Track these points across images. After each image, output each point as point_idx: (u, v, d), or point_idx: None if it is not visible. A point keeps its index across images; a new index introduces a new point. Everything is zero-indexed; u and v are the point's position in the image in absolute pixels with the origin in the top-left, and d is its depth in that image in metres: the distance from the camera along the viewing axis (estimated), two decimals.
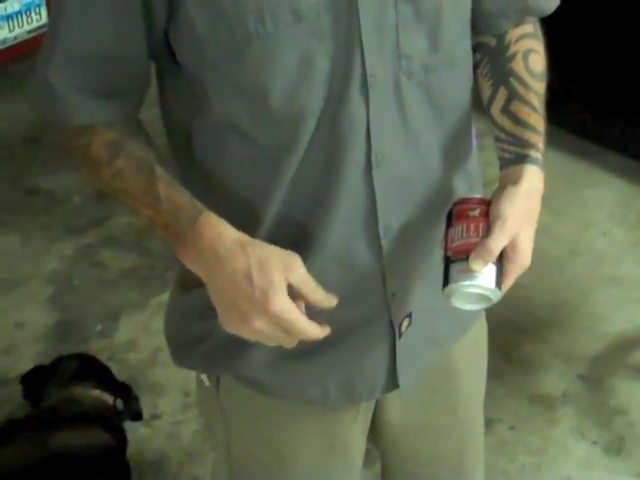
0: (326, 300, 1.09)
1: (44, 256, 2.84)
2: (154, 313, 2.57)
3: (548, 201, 1.17)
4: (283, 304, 1.04)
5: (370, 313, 1.27)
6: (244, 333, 1.07)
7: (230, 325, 1.07)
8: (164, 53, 1.18)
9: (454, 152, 1.28)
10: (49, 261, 2.83)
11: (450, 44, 1.20)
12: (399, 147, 1.21)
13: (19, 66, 3.37)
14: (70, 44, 1.13)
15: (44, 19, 3.16)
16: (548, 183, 1.16)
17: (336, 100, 1.14)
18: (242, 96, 1.15)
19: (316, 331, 1.07)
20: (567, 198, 2.99)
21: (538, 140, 1.23)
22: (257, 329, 1.05)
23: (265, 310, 1.04)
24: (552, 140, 1.28)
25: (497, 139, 1.26)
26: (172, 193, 1.13)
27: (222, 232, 1.08)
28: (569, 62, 2.69)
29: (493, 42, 1.28)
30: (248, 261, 1.05)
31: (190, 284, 1.26)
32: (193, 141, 1.24)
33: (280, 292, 1.04)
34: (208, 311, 1.13)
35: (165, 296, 2.58)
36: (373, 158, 1.18)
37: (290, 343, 1.08)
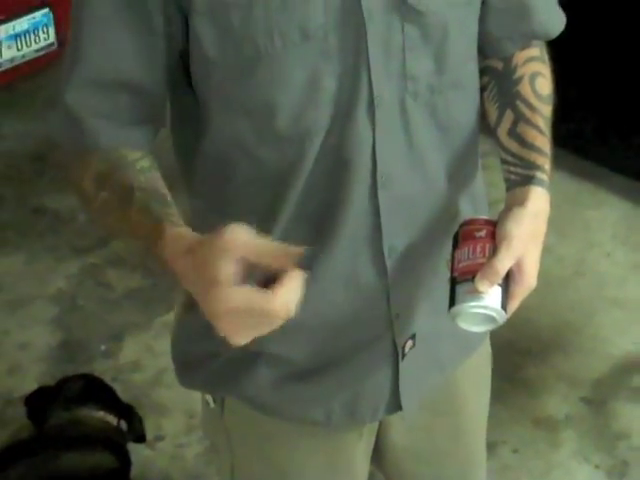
0: (290, 252, 0.95)
1: (49, 276, 2.85)
2: (158, 333, 2.57)
3: (552, 222, 1.16)
4: (230, 297, 0.93)
5: (374, 334, 1.27)
6: (223, 332, 0.99)
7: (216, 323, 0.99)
8: (178, 75, 1.19)
9: (460, 173, 1.29)
10: (54, 281, 2.83)
11: (456, 66, 1.21)
12: (405, 167, 1.21)
13: (26, 84, 3.39)
14: (88, 68, 1.14)
15: (52, 38, 3.17)
16: (552, 204, 1.17)
17: (342, 120, 1.15)
18: (249, 115, 1.16)
19: (285, 306, 0.93)
20: (571, 219, 3.01)
21: (544, 162, 1.24)
22: (230, 327, 0.97)
23: (225, 310, 0.95)
24: (556, 161, 1.29)
25: (503, 161, 1.26)
26: (142, 216, 1.09)
27: (178, 238, 1.03)
28: (575, 83, 2.70)
29: (500, 65, 1.30)
30: (193, 262, 0.98)
31: (192, 303, 1.27)
32: (199, 158, 1.25)
33: (223, 286, 0.94)
34: (211, 329, 1.13)
35: (169, 316, 2.59)
36: (379, 178, 1.19)
37: (271, 324, 0.97)
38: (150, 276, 2.79)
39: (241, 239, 0.95)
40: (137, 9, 1.11)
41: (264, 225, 1.17)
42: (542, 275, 1.13)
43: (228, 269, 0.93)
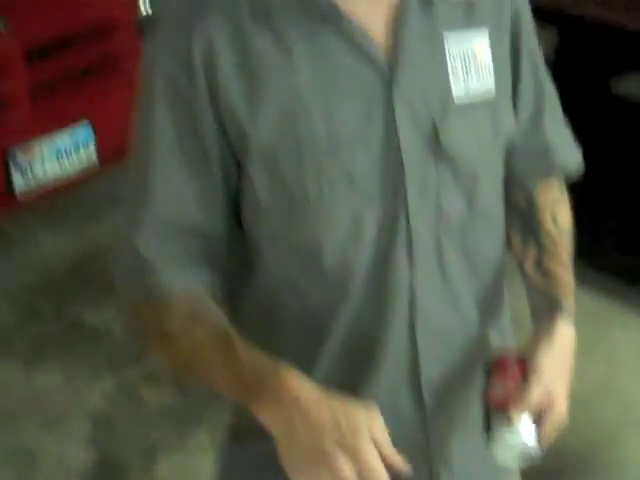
0: (397, 459, 1.09)
1: (85, 392, 2.89)
2: (190, 453, 2.60)
3: (576, 340, 1.23)
4: (371, 449, 1.05)
5: (410, 463, 1.29)
6: (319, 474, 1.07)
7: (304, 471, 1.08)
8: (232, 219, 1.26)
9: (489, 304, 1.36)
10: (90, 397, 2.87)
11: (485, 204, 1.29)
12: (439, 301, 1.28)
13: (66, 199, 3.48)
14: (155, 212, 1.21)
15: (92, 154, 3.26)
16: (577, 322, 1.24)
17: (383, 257, 1.23)
18: (296, 254, 1.24)
19: None
20: (596, 338, 3.02)
21: (568, 293, 1.33)
22: (337, 466, 1.05)
23: (354, 450, 1.05)
24: (581, 279, 1.36)
25: (529, 293, 1.36)
26: (250, 354, 1.16)
27: (305, 386, 1.10)
28: (598, 204, 2.77)
29: (523, 201, 1.39)
30: (336, 411, 1.07)
31: (244, 437, 1.32)
32: (247, 293, 1.32)
33: (368, 438, 1.06)
34: (263, 467, 1.17)
35: (201, 437, 2.64)
36: (416, 312, 1.26)
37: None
38: (183, 394, 2.83)
39: (382, 427, 1.08)
40: (197, 156, 1.19)
41: (307, 361, 1.25)
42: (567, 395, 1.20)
43: (373, 451, 1.05)
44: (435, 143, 1.20)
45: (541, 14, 1.50)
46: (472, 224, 1.27)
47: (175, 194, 1.20)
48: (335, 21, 1.16)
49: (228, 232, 1.25)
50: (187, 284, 1.23)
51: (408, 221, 1.21)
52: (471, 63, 1.22)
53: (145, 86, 1.19)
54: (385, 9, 1.19)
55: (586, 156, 1.44)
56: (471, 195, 1.26)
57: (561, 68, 1.41)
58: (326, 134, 1.16)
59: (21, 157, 3.07)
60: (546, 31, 2.21)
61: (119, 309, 2.97)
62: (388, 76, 1.18)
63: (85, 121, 3.21)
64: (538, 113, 1.35)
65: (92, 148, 3.25)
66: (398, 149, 1.19)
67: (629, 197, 2.78)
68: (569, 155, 1.41)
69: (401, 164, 1.19)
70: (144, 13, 3.45)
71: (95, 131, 3.24)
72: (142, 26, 3.43)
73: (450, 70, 1.21)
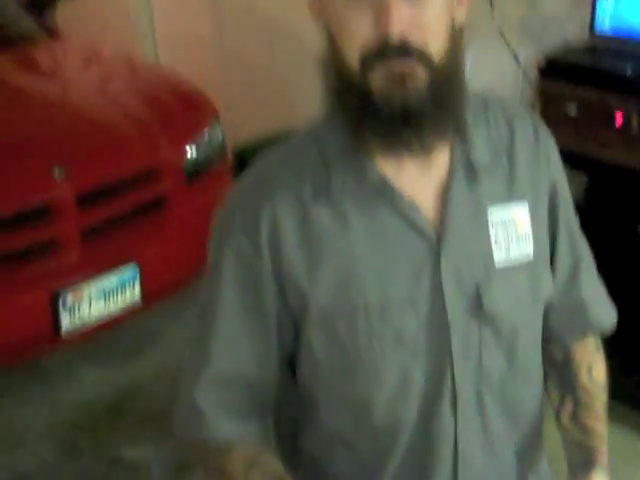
0: None
1: None
2: None
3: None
4: None
5: None
6: None
7: None
8: (284, 373, 1.37)
9: (528, 453, 1.43)
10: None
11: (524, 360, 1.36)
12: (480, 450, 1.35)
13: (108, 336, 3.54)
14: (217, 366, 1.31)
15: (137, 294, 3.33)
16: (610, 460, 1.29)
17: (429, 411, 1.30)
18: (348, 408, 1.32)
19: None
20: (628, 475, 2.98)
21: (603, 446, 1.38)
22: None
23: None
24: (612, 414, 1.39)
25: (565, 444, 1.42)
26: None
27: None
28: (629, 341, 2.78)
29: (560, 355, 1.46)
30: None
31: None
32: (299, 441, 1.41)
33: None
34: None
35: None
36: (459, 461, 1.33)
37: None
38: None
39: None
40: (258, 321, 1.31)
41: None
42: None
43: None
44: (478, 306, 1.29)
45: (570, 159, 1.58)
46: (511, 379, 1.35)
47: (235, 355, 1.32)
48: (387, 196, 1.27)
49: (278, 384, 1.36)
50: (242, 432, 1.33)
51: (453, 377, 1.29)
52: (512, 232, 1.32)
53: (214, 253, 1.33)
54: (433, 184, 1.30)
55: (615, 297, 1.50)
56: (511, 352, 1.34)
57: (591, 212, 1.49)
58: (379, 299, 1.26)
59: (69, 298, 3.13)
60: (576, 176, 2.29)
61: (157, 446, 3.01)
62: (436, 246, 1.28)
63: (132, 262, 3.29)
64: (574, 275, 1.43)
65: (137, 287, 3.32)
66: (444, 311, 1.28)
67: None
68: (604, 314, 1.48)
69: (447, 325, 1.28)
70: (191, 158, 3.60)
71: (141, 271, 3.31)
72: (189, 170, 3.59)
73: (493, 239, 1.31)
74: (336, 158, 1.29)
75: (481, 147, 1.32)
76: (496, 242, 1.31)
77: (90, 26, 5.40)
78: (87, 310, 3.20)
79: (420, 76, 1.20)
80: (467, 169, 1.31)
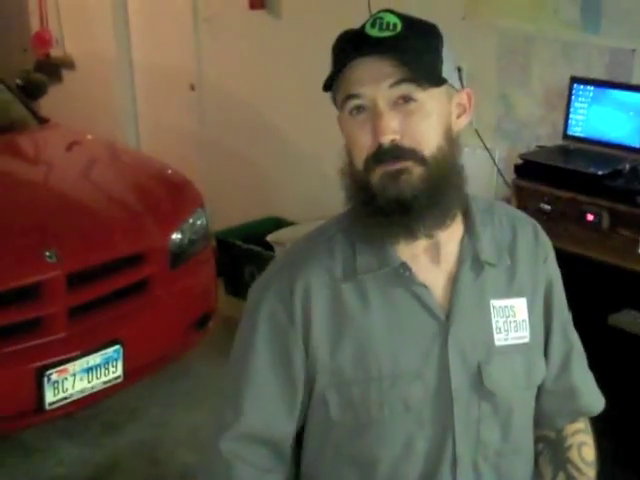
0: None
1: None
2: None
3: None
4: None
5: None
6: None
7: None
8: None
9: None
10: None
11: (518, 435, 1.48)
12: None
13: (87, 411, 3.56)
14: (246, 424, 1.43)
15: (119, 372, 3.38)
16: None
17: (430, 473, 1.42)
18: (356, 465, 1.44)
19: None
20: None
21: None
22: None
23: None
24: None
25: None
26: None
27: None
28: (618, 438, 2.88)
29: (553, 435, 1.57)
30: None
31: None
32: None
33: None
34: None
35: None
36: None
37: None
38: None
39: None
40: (287, 382, 1.43)
41: None
42: None
43: None
44: (479, 382, 1.42)
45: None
46: (505, 452, 1.47)
47: (264, 415, 1.43)
48: (405, 279, 1.42)
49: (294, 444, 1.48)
50: None
51: (454, 444, 1.41)
52: (511, 319, 1.46)
53: (249, 319, 1.46)
54: (444, 273, 1.45)
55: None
56: (506, 427, 1.46)
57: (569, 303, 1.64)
58: (390, 369, 1.40)
59: (54, 375, 3.17)
60: None
61: None
62: (445, 325, 1.42)
63: (116, 341, 3.35)
64: (566, 363, 1.56)
65: (120, 365, 3.37)
66: (449, 385, 1.41)
67: (626, 419, 2.89)
68: (594, 399, 1.61)
69: (450, 397, 1.41)
70: (176, 243, 3.70)
71: (124, 350, 3.36)
72: (174, 254, 3.68)
73: (494, 324, 1.45)
74: (362, 244, 1.44)
75: (487, 244, 1.47)
76: (496, 327, 1.46)
77: (76, 113, 5.54)
78: (71, 386, 3.23)
79: (414, 172, 1.36)
80: (474, 262, 1.46)
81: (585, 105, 3.15)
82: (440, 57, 1.39)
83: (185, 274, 3.72)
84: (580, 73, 3.23)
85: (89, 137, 4.53)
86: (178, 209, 3.87)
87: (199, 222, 3.89)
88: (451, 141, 1.41)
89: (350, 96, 1.36)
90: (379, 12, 1.37)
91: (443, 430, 1.42)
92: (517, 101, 3.48)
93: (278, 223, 4.68)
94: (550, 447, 1.58)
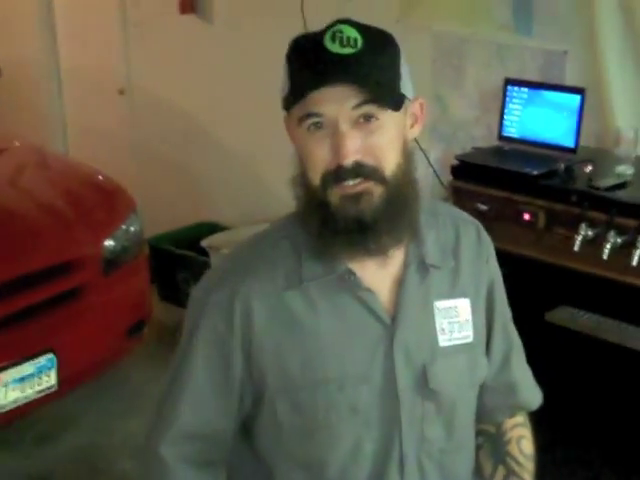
0: None
1: None
2: None
3: None
4: None
5: None
6: None
7: None
8: (240, 433, 1.50)
9: None
10: None
11: (460, 432, 1.51)
12: None
13: (21, 421, 3.48)
14: (182, 427, 1.44)
15: (53, 381, 3.32)
16: None
17: (379, 474, 1.44)
18: (304, 468, 1.45)
19: None
20: None
21: None
22: None
23: None
24: None
25: None
26: None
27: None
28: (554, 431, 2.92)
29: (493, 429, 1.61)
30: None
31: None
32: None
33: None
34: None
35: None
36: None
37: None
38: None
39: None
40: (223, 387, 1.44)
41: None
42: None
43: None
44: (423, 382, 1.44)
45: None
46: (448, 448, 1.50)
47: (200, 417, 1.45)
48: (350, 285, 1.42)
49: (233, 440, 1.50)
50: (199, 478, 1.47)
51: (401, 444, 1.44)
52: (454, 319, 1.49)
53: (190, 326, 1.46)
54: (389, 277, 1.46)
55: None
56: (449, 425, 1.49)
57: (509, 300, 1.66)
58: (337, 374, 1.41)
59: None
60: None
61: None
62: (390, 329, 1.43)
63: (49, 350, 3.30)
64: (507, 360, 1.59)
65: (53, 374, 3.32)
66: (394, 386, 1.43)
67: (560, 413, 2.95)
68: (532, 395, 1.65)
69: (397, 398, 1.43)
70: (109, 250, 3.65)
71: (58, 359, 3.32)
72: (107, 261, 3.63)
73: (438, 326, 1.47)
74: (307, 251, 1.44)
75: (432, 247, 1.49)
76: (440, 328, 1.48)
77: (2, 119, 5.43)
78: (3, 397, 3.18)
79: (374, 192, 1.37)
80: (419, 265, 1.48)
81: (519, 106, 3.19)
82: (399, 73, 1.40)
83: (119, 281, 3.68)
84: (514, 75, 3.27)
85: (16, 143, 4.44)
86: (110, 216, 3.83)
87: (132, 228, 3.85)
88: (407, 155, 1.42)
89: (310, 114, 1.35)
90: (337, 23, 1.36)
91: (390, 431, 1.44)
92: (452, 103, 3.51)
93: (212, 228, 4.65)
94: (490, 441, 1.61)
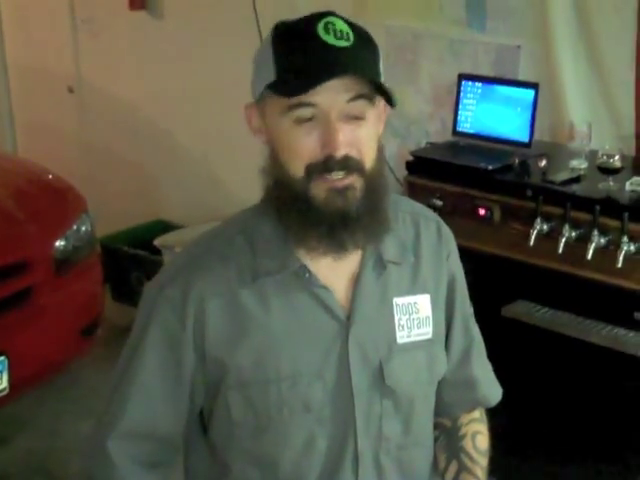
0: None
1: None
2: None
3: None
4: None
5: None
6: None
7: None
8: (196, 428, 1.49)
9: None
10: None
11: (419, 428, 1.51)
12: None
13: None
14: (130, 423, 1.41)
15: (5, 384, 3.26)
16: None
17: (331, 470, 1.43)
18: (257, 464, 1.44)
19: None
20: None
21: None
22: None
23: None
24: None
25: None
26: None
27: None
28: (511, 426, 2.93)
29: (449, 423, 1.61)
30: None
31: None
32: None
33: None
34: None
35: None
36: None
37: None
38: None
39: None
40: (173, 383, 1.42)
41: None
42: None
43: None
44: (380, 379, 1.43)
45: None
46: (407, 444, 1.49)
47: (149, 413, 1.42)
48: (305, 281, 1.41)
49: (184, 437, 1.48)
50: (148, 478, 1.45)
51: (356, 441, 1.43)
52: (414, 316, 1.47)
53: (141, 322, 1.44)
54: (346, 273, 1.45)
55: None
56: (407, 421, 1.48)
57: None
58: (290, 371, 1.39)
59: None
60: None
61: None
62: (345, 325, 1.42)
63: (0, 352, 3.24)
64: (467, 355, 1.59)
65: (5, 377, 3.26)
66: (349, 384, 1.41)
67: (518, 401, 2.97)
68: (492, 391, 1.65)
69: (351, 396, 1.41)
70: (60, 250, 3.60)
71: (9, 361, 3.26)
72: (58, 261, 3.58)
73: (396, 322, 1.46)
74: (262, 246, 1.43)
75: (390, 243, 1.47)
76: (399, 324, 1.47)
77: None
78: None
79: (358, 186, 1.37)
80: (377, 261, 1.46)
81: (473, 101, 3.20)
82: (380, 69, 1.40)
83: (71, 281, 3.64)
84: (468, 70, 3.28)
85: None
86: (61, 215, 3.77)
87: (83, 228, 3.81)
88: (380, 150, 1.42)
89: (302, 104, 1.33)
90: (323, 15, 1.35)
91: (344, 428, 1.43)
92: (406, 98, 3.50)
93: (165, 227, 4.61)
94: (445, 435, 1.61)
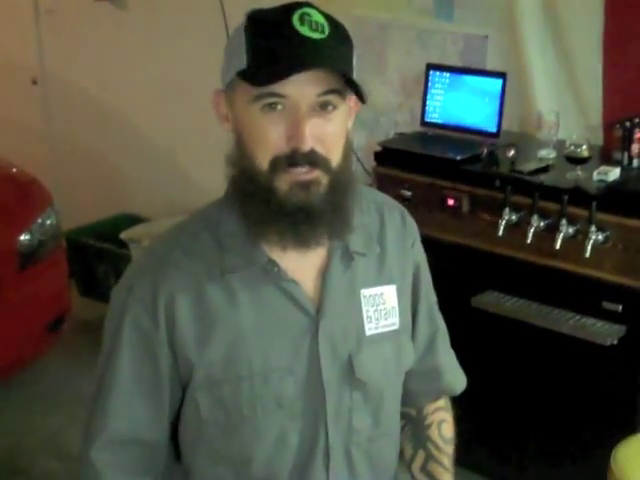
0: None
1: None
2: None
3: None
4: None
5: None
6: None
7: None
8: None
9: None
10: None
11: (388, 419, 1.51)
12: None
13: None
14: (112, 430, 1.40)
15: None
16: None
17: (303, 465, 1.43)
18: (230, 461, 1.43)
19: None
20: None
21: None
22: None
23: None
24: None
25: None
26: None
27: None
28: (480, 415, 2.94)
29: (414, 413, 1.62)
30: None
31: None
32: None
33: None
34: None
35: None
36: None
37: None
38: None
39: None
40: (152, 385, 1.41)
41: None
42: None
43: None
44: (350, 372, 1.42)
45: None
46: (376, 436, 1.49)
47: (130, 418, 1.41)
48: (273, 276, 1.40)
49: (168, 441, 1.47)
50: None
51: (327, 435, 1.42)
52: (381, 307, 1.47)
53: (113, 324, 1.42)
54: (313, 266, 1.43)
55: None
56: (377, 413, 1.48)
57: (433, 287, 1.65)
58: (261, 367, 1.38)
59: None
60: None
61: None
62: (315, 319, 1.41)
63: None
64: (431, 344, 1.59)
65: None
66: (320, 378, 1.41)
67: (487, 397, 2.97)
68: (457, 379, 1.65)
69: (322, 390, 1.41)
70: (24, 244, 3.56)
71: None
72: (23, 256, 3.54)
73: (364, 314, 1.45)
74: (228, 241, 1.41)
75: (356, 234, 1.46)
76: (367, 316, 1.46)
77: None
78: None
79: (322, 182, 1.35)
80: (343, 253, 1.45)
81: (441, 91, 3.19)
82: (354, 63, 1.37)
83: (35, 276, 3.61)
84: (435, 60, 3.27)
85: None
86: (25, 209, 3.74)
87: (48, 222, 3.78)
88: (348, 145, 1.40)
89: (271, 94, 1.31)
90: (300, 5, 1.32)
91: (315, 422, 1.42)
92: (374, 89, 3.49)
93: (131, 220, 4.57)
94: (411, 424, 1.61)
